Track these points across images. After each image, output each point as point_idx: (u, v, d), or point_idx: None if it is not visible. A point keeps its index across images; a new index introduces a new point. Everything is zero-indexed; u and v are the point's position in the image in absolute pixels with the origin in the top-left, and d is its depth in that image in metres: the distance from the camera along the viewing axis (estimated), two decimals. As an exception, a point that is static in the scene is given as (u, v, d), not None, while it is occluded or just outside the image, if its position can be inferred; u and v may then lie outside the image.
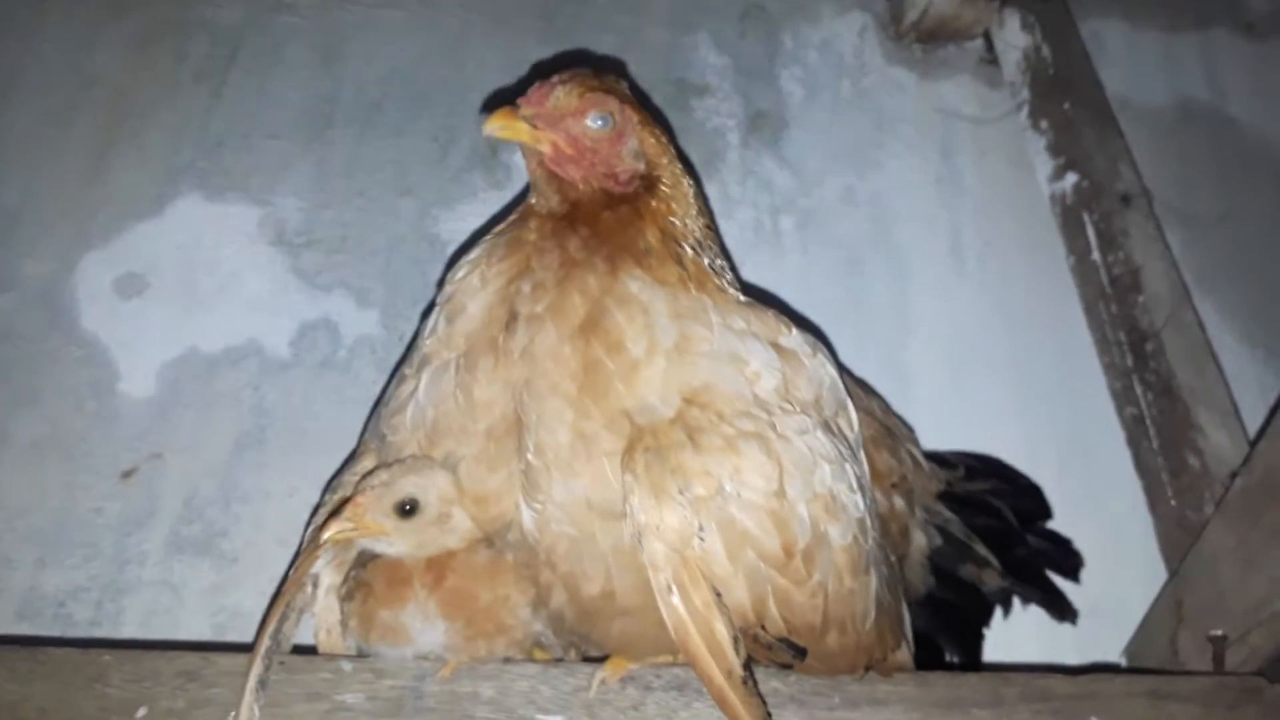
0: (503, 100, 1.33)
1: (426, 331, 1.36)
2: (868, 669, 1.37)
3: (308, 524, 1.48)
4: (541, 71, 1.39)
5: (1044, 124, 2.35)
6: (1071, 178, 2.23)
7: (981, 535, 1.83)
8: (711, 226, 1.43)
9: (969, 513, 1.84)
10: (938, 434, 2.04)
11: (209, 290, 2.13)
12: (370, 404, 2.04)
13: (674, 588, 1.13)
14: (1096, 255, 2.11)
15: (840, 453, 1.26)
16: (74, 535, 1.86)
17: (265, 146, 2.30)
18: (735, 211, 2.40)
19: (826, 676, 1.36)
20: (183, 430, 1.98)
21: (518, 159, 2.34)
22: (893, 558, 1.50)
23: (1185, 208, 2.26)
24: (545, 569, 1.28)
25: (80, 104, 2.28)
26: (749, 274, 2.29)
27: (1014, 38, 2.49)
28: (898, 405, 2.05)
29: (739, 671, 1.16)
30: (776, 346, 1.28)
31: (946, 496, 1.85)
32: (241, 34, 2.44)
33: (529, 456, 1.23)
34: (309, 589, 1.39)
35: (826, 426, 1.28)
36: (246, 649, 1.35)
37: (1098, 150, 2.17)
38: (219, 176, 2.25)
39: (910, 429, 1.87)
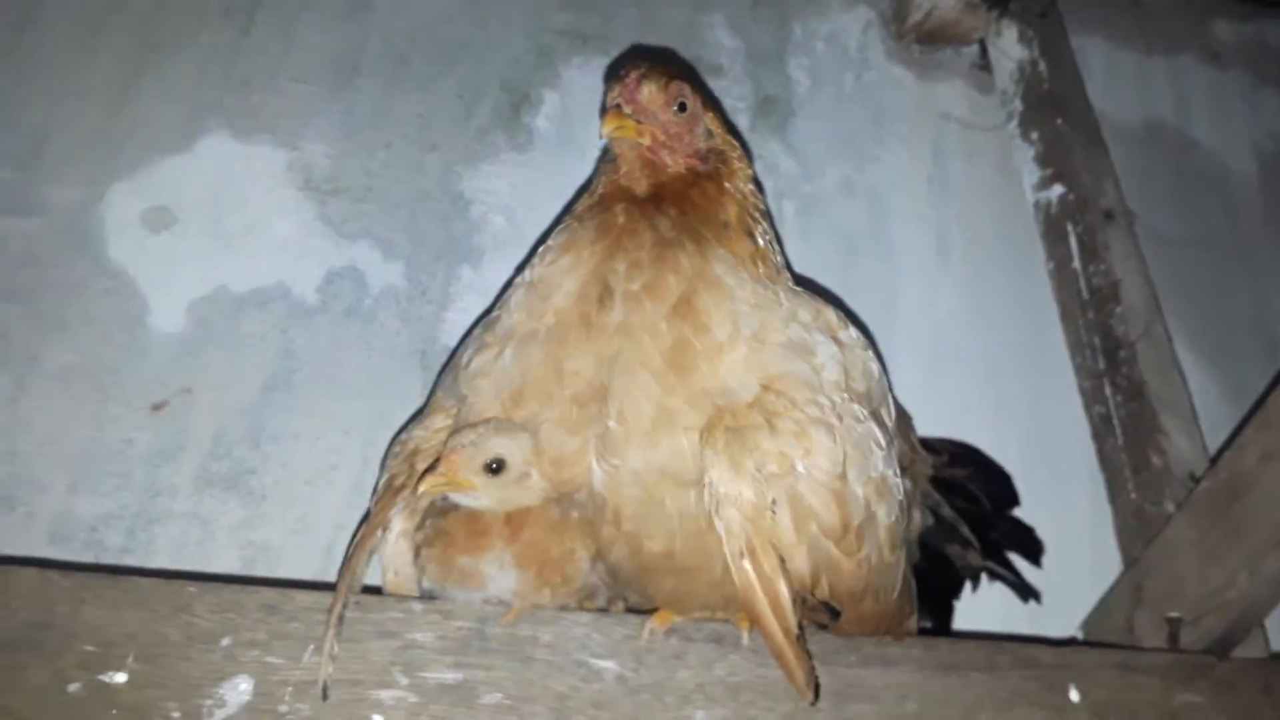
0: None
1: (512, 306, 1.45)
2: (886, 632, 1.53)
3: (382, 470, 1.57)
4: (614, 68, 1.49)
5: (1034, 135, 2.52)
6: (1058, 189, 2.40)
7: (962, 518, 2.01)
8: (763, 197, 1.57)
9: (952, 496, 2.02)
10: (920, 420, 2.20)
11: (237, 230, 2.16)
12: (392, 353, 2.12)
13: (746, 553, 1.26)
14: (1077, 264, 2.29)
15: (887, 440, 1.41)
16: (105, 464, 1.90)
17: (292, 90, 2.32)
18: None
19: (851, 637, 1.51)
20: (212, 367, 2.03)
21: (539, 123, 2.46)
22: (910, 537, 1.66)
23: (1163, 226, 2.46)
24: (609, 526, 1.40)
25: (106, 29, 2.27)
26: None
27: (1010, 49, 2.65)
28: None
29: (795, 629, 1.30)
30: (837, 340, 1.42)
31: (934, 480, 2.02)
32: (270, -29, 2.44)
33: (610, 423, 1.34)
34: (379, 533, 1.48)
35: (875, 416, 1.43)
36: (319, 587, 1.45)
37: (1085, 167, 2.35)
38: (246, 116, 2.27)
39: (909, 416, 2.03)
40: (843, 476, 1.30)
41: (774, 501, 1.27)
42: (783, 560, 1.29)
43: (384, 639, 1.41)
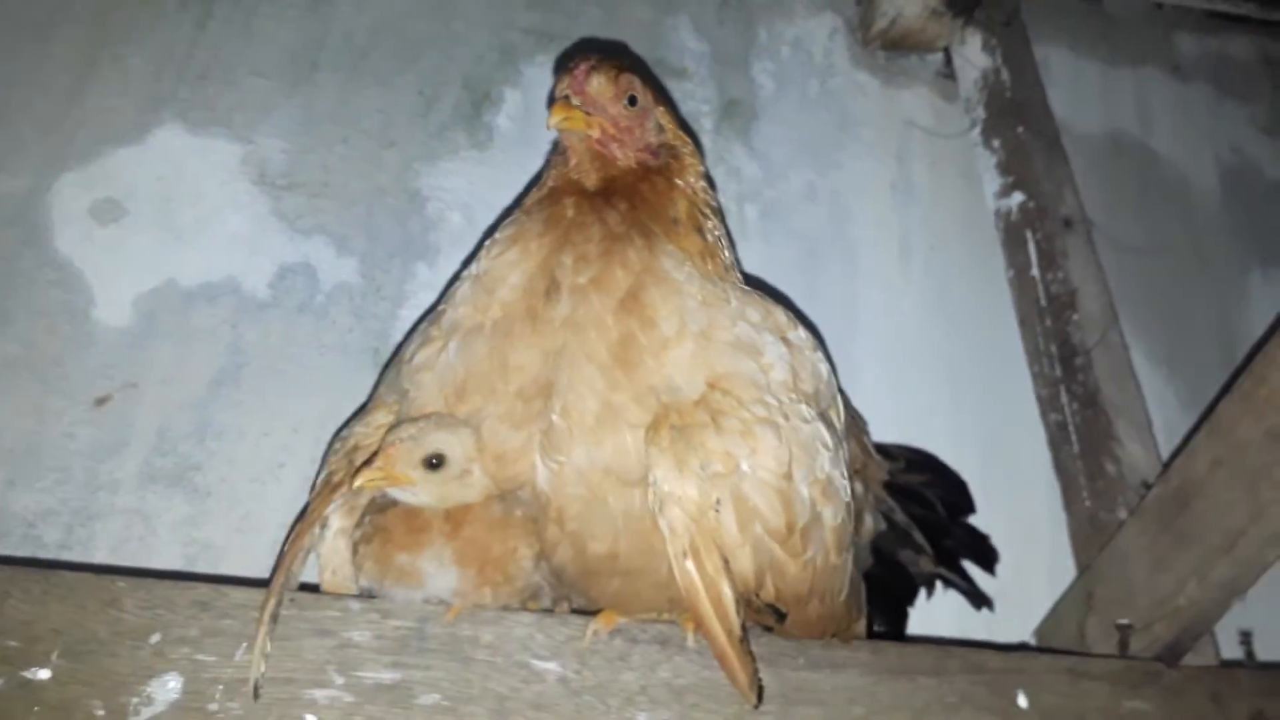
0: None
1: (458, 299, 1.43)
2: (833, 636, 1.51)
3: (321, 467, 1.54)
4: (562, 60, 1.48)
5: (995, 143, 2.52)
6: (1018, 197, 2.41)
7: (917, 524, 2.00)
8: (714, 194, 1.56)
9: (907, 502, 2.01)
10: (879, 425, 2.20)
11: (188, 223, 2.13)
12: (344, 350, 2.09)
13: (689, 553, 1.24)
14: (1036, 272, 2.29)
15: (835, 442, 1.39)
16: (45, 458, 1.86)
17: (250, 84, 2.29)
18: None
19: (798, 639, 1.50)
20: (158, 362, 1.99)
21: (500, 121, 2.44)
22: (858, 539, 1.65)
23: (1109, 233, 2.46)
24: (553, 525, 1.38)
25: (61, 19, 2.24)
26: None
27: (974, 57, 2.65)
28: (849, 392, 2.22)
29: (738, 631, 1.28)
30: (785, 341, 1.40)
31: (889, 486, 2.01)
32: (229, -36, 2.41)
33: (554, 418, 1.32)
34: (317, 530, 1.46)
35: (823, 417, 1.41)
36: (254, 584, 1.42)
37: (1045, 175, 2.35)
38: (201, 110, 2.24)
39: (864, 421, 2.02)
40: (788, 477, 1.29)
41: (718, 501, 1.25)
42: (726, 561, 1.27)
43: (320, 637, 1.38)
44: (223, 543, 1.88)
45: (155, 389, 1.97)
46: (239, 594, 1.39)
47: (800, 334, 1.44)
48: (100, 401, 1.93)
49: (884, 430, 2.20)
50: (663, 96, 1.54)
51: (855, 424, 1.86)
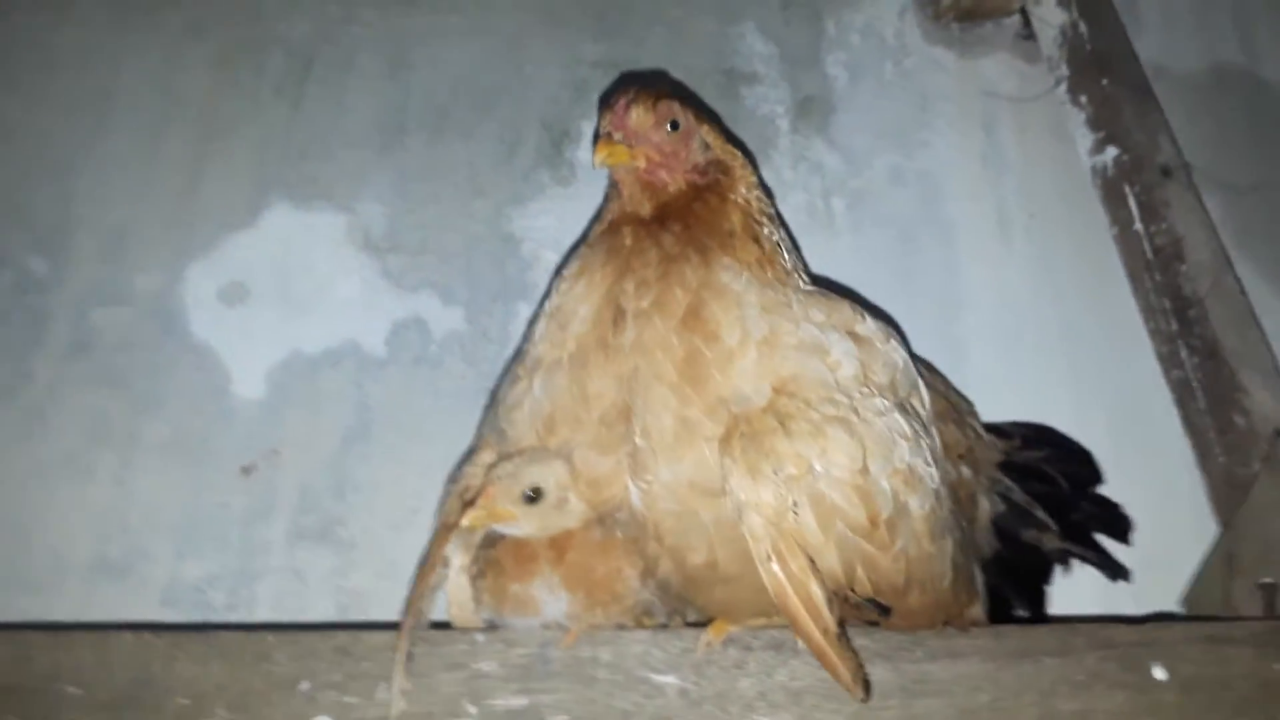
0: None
1: (537, 337, 1.52)
2: (945, 624, 1.51)
3: (438, 510, 1.64)
4: (604, 97, 1.53)
5: (1083, 99, 2.44)
6: (1112, 151, 2.33)
7: (1039, 501, 1.96)
8: (771, 201, 1.59)
9: (1026, 480, 1.97)
10: (993, 404, 2.15)
11: (306, 295, 2.29)
12: (460, 396, 2.20)
13: (773, 556, 1.28)
14: (1139, 226, 2.21)
15: (915, 430, 1.40)
16: (204, 528, 2.03)
17: (345, 155, 2.45)
18: (789, 195, 2.52)
19: (908, 632, 1.50)
20: (294, 427, 2.15)
21: (580, 155, 2.52)
22: (964, 522, 1.64)
23: (1221, 174, 2.35)
24: (653, 542, 1.43)
25: (170, 123, 2.44)
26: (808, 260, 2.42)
27: (1050, 14, 2.58)
28: (953, 378, 2.17)
29: (834, 629, 1.31)
30: (853, 335, 1.42)
31: (1006, 465, 1.97)
32: (314, 47, 2.57)
33: (637, 440, 1.38)
34: (440, 569, 1.55)
35: (902, 406, 1.42)
36: (389, 627, 1.52)
37: (1136, 124, 2.27)
38: (305, 186, 2.40)
39: (970, 403, 2.00)
40: (864, 471, 1.30)
41: (795, 503, 1.28)
42: (813, 560, 1.30)
43: (451, 671, 1.47)
44: (370, 589, 2.01)
45: (294, 453, 2.13)
46: (375, 638, 1.49)
47: (868, 326, 1.45)
48: (246, 470, 2.10)
49: (1000, 408, 2.16)
50: (705, 114, 1.58)
51: (956, 408, 1.85)
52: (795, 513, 1.28)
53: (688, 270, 1.40)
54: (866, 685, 1.37)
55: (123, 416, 2.12)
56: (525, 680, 1.46)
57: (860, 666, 1.37)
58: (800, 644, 1.46)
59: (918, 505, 1.36)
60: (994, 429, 2.05)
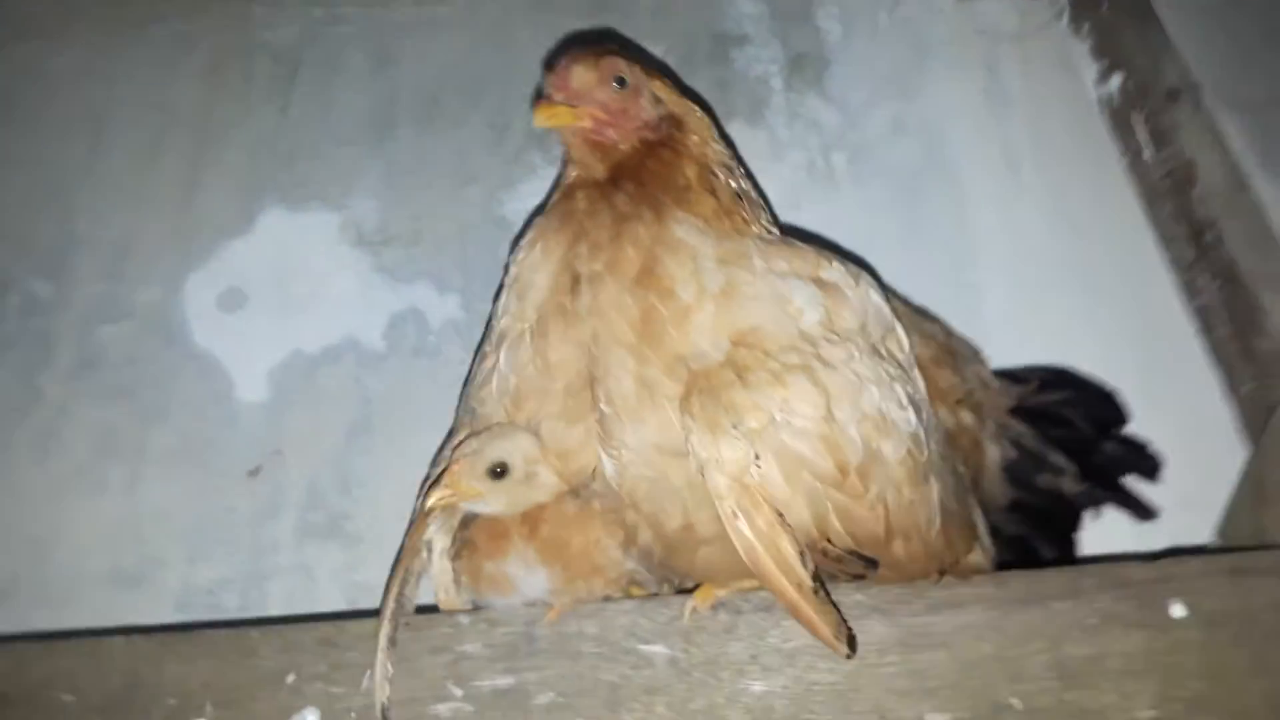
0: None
1: (499, 311, 1.49)
2: (942, 574, 1.45)
3: (418, 497, 1.62)
4: (548, 60, 1.49)
5: (1085, 28, 2.34)
6: (1116, 79, 2.22)
7: (1059, 446, 1.88)
8: (735, 155, 1.53)
9: (1044, 425, 1.89)
10: (1014, 349, 2.09)
11: (303, 295, 2.29)
12: (460, 383, 2.18)
13: (739, 514, 1.23)
14: (1149, 153, 2.10)
15: (888, 374, 1.34)
16: (214, 532, 2.04)
17: (335, 154, 2.45)
18: (786, 155, 2.46)
19: (902, 584, 1.44)
20: (297, 427, 2.15)
21: (570, 134, 2.47)
22: (961, 468, 1.57)
23: (1238, 91, 2.22)
24: (629, 510, 1.39)
25: (165, 137, 2.46)
26: (805, 215, 2.36)
27: (1047, -57, 2.47)
28: (970, 325, 2.10)
29: (809, 583, 1.25)
30: (818, 281, 1.36)
31: (1020, 411, 1.89)
32: (300, 50, 2.58)
33: (602, 406, 1.35)
34: (424, 554, 1.53)
35: (874, 351, 1.36)
36: (372, 615, 1.51)
37: (1139, 49, 2.16)
38: (297, 188, 2.41)
39: (975, 349, 1.92)
40: (829, 419, 1.25)
41: (757, 457, 1.23)
42: (781, 514, 1.24)
43: (435, 655, 1.45)
44: (379, 582, 1.95)
45: (298, 452, 2.13)
46: (358, 626, 1.48)
47: (835, 271, 1.39)
48: (252, 473, 2.11)
49: (1021, 352, 2.09)
50: (659, 70, 1.53)
51: (954, 353, 1.77)
52: (758, 466, 1.23)
53: (640, 228, 1.35)
54: (851, 641, 1.32)
55: (131, 429, 2.14)
56: (511, 659, 1.44)
57: (842, 622, 1.31)
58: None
59: (892, 451, 1.30)
60: (1008, 374, 1.98)
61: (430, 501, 1.39)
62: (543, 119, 1.40)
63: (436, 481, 1.41)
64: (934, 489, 1.38)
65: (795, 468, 1.24)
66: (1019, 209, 2.39)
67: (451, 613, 1.50)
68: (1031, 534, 1.87)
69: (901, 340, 1.44)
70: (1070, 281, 2.29)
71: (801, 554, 1.25)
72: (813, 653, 1.41)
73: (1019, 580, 1.48)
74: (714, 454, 1.23)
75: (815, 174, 2.45)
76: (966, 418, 1.70)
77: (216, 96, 2.51)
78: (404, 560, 1.49)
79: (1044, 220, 2.36)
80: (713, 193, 1.41)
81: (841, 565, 1.34)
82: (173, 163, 2.43)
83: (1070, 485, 1.82)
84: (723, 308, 1.30)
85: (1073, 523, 1.94)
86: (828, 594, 1.30)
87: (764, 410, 1.23)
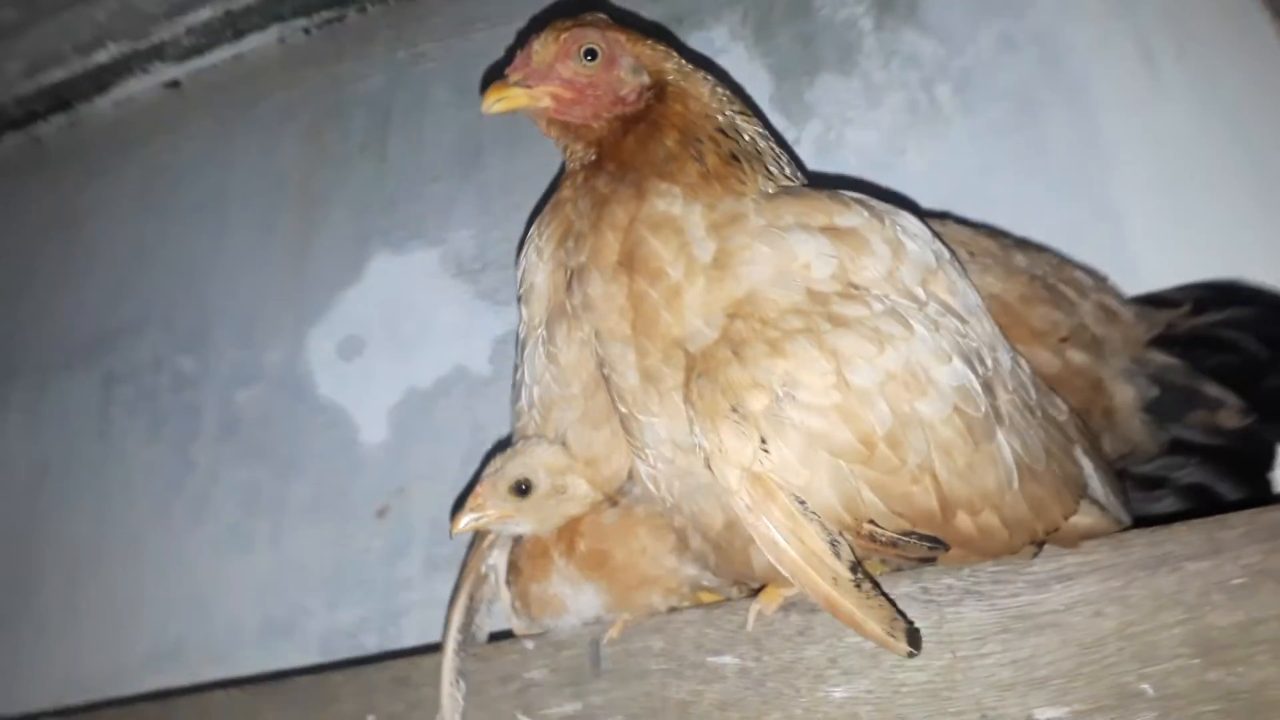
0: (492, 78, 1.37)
1: (521, 319, 1.42)
2: (1041, 545, 1.24)
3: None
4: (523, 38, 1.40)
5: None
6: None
7: (1218, 374, 1.59)
8: (745, 112, 1.39)
9: (1199, 353, 1.60)
10: (1168, 272, 1.81)
11: (413, 333, 2.33)
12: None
13: (752, 507, 1.09)
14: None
15: (928, 323, 1.16)
16: (351, 576, 2.11)
17: (430, 190, 2.47)
18: (883, 99, 2.25)
19: (998, 562, 1.24)
20: (417, 462, 2.18)
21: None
22: (1064, 416, 1.33)
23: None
24: (675, 514, 1.29)
25: (277, 205, 2.58)
26: (911, 159, 2.16)
27: None
28: (1111, 248, 1.88)
29: (846, 575, 1.10)
30: (830, 230, 1.20)
31: (1165, 340, 1.62)
32: (390, 95, 2.63)
33: (619, 406, 1.25)
34: (491, 580, 1.49)
35: (911, 298, 1.18)
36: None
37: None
38: (399, 230, 2.45)
39: (1100, 277, 1.66)
40: (842, 385, 1.09)
41: (763, 440, 1.09)
42: (802, 501, 1.10)
43: (503, 684, 1.41)
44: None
45: (420, 487, 2.16)
46: (430, 662, 1.46)
47: (853, 216, 1.22)
48: (381, 513, 2.15)
49: (1175, 276, 1.80)
50: (647, 34, 1.41)
51: (1061, 287, 1.53)
52: (765, 451, 1.09)
53: (618, 209, 1.24)
54: (913, 637, 1.14)
55: (271, 485, 2.25)
56: (576, 684, 1.37)
57: (898, 616, 1.14)
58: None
59: (933, 411, 1.12)
60: (1154, 299, 1.70)
61: (456, 527, 1.34)
62: (489, 103, 1.32)
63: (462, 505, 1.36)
64: (1005, 447, 1.17)
65: (809, 447, 1.09)
66: (1161, 112, 2.05)
67: (517, 639, 1.44)
68: (1212, 479, 1.59)
69: (952, 282, 1.24)
70: (1229, 183, 1.94)
71: (833, 544, 1.10)
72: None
73: (1143, 541, 1.24)
74: (716, 443, 1.11)
75: (918, 112, 2.22)
76: (1077, 357, 1.46)
77: (318, 157, 2.60)
78: (461, 591, 1.45)
79: (1192, 121, 2.01)
80: (698, 158, 1.27)
81: (899, 551, 1.17)
82: (286, 227, 2.55)
83: (1230, 420, 1.53)
84: (715, 279, 1.17)
85: (1263, 460, 1.63)
86: (876, 586, 1.14)
87: (764, 387, 1.09)
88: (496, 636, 1.49)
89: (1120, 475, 1.56)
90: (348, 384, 2.32)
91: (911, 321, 1.15)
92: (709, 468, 1.12)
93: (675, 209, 1.22)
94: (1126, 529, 1.34)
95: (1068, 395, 1.43)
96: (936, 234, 1.32)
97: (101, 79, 2.68)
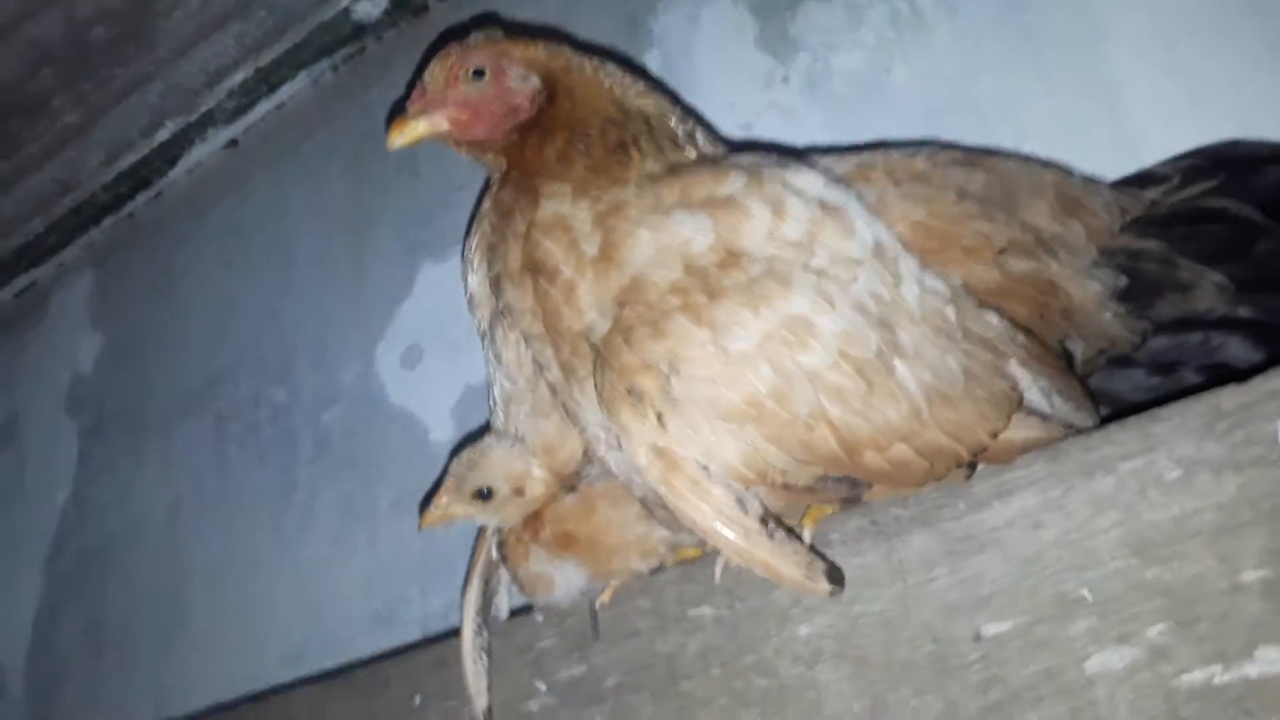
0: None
1: (478, 324, 1.54)
2: (971, 466, 1.26)
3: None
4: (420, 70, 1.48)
5: None
6: None
7: (1204, 249, 1.52)
8: (645, 93, 1.43)
9: (1178, 231, 1.54)
10: (1173, 139, 1.72)
11: (462, 335, 2.47)
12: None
13: (661, 480, 1.17)
14: None
15: (808, 275, 1.19)
16: (437, 563, 2.29)
17: (458, 198, 2.60)
18: (865, 17, 2.20)
19: (942, 487, 1.27)
20: (479, 453, 2.34)
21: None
22: (992, 332, 1.32)
23: None
24: (631, 486, 1.37)
25: (333, 238, 2.78)
26: (899, 76, 2.13)
27: None
28: (1108, 126, 1.88)
29: (755, 527, 1.16)
30: (709, 202, 1.25)
31: (1145, 223, 1.56)
32: (419, 112, 2.77)
33: (556, 395, 1.35)
34: (496, 568, 1.61)
35: (796, 249, 1.22)
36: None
37: None
38: (438, 240, 2.60)
39: (1066, 172, 1.61)
40: (720, 353, 1.14)
41: (658, 416, 1.16)
42: (705, 466, 1.16)
43: (521, 655, 1.54)
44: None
45: (486, 476, 2.31)
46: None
47: (731, 183, 1.25)
48: (455, 504, 2.33)
49: (1180, 145, 1.72)
50: (540, 35, 1.47)
51: (995, 196, 1.50)
52: (662, 426, 1.16)
53: (518, 217, 1.33)
54: (834, 574, 1.19)
55: (362, 493, 2.47)
56: (581, 648, 1.48)
57: (812, 559, 1.19)
58: (804, 536, 1.31)
59: (818, 360, 1.16)
60: (1141, 178, 1.64)
61: (422, 524, 1.47)
62: (393, 139, 1.41)
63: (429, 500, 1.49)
64: (909, 380, 1.19)
65: (699, 416, 1.15)
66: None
67: (530, 614, 1.57)
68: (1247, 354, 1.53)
69: (844, 226, 1.25)
70: (1237, 34, 1.82)
71: (739, 500, 1.16)
72: (855, 584, 1.29)
73: (1078, 447, 1.23)
74: (619, 425, 1.19)
75: (901, 25, 2.17)
76: (1019, 266, 1.43)
77: (362, 183, 2.78)
78: (474, 576, 1.58)
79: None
80: (585, 153, 1.33)
81: (819, 495, 1.22)
82: (342, 255, 2.74)
83: (1206, 300, 1.46)
84: (602, 271, 1.24)
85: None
86: (791, 533, 1.19)
87: (652, 367, 1.16)
88: (520, 611, 1.62)
89: (1123, 363, 1.54)
90: (413, 390, 2.50)
91: (791, 277, 1.19)
92: (620, 452, 1.21)
93: (564, 208, 1.29)
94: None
95: (1015, 305, 1.42)
96: (838, 180, 1.34)
97: (168, 153, 2.95)
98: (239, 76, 2.77)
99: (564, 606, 1.52)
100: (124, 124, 2.82)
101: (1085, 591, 1.17)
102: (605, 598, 1.46)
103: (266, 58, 2.74)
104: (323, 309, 2.72)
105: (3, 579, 3.08)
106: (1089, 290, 1.48)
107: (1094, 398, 1.42)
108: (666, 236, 1.23)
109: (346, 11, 2.70)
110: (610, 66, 1.46)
